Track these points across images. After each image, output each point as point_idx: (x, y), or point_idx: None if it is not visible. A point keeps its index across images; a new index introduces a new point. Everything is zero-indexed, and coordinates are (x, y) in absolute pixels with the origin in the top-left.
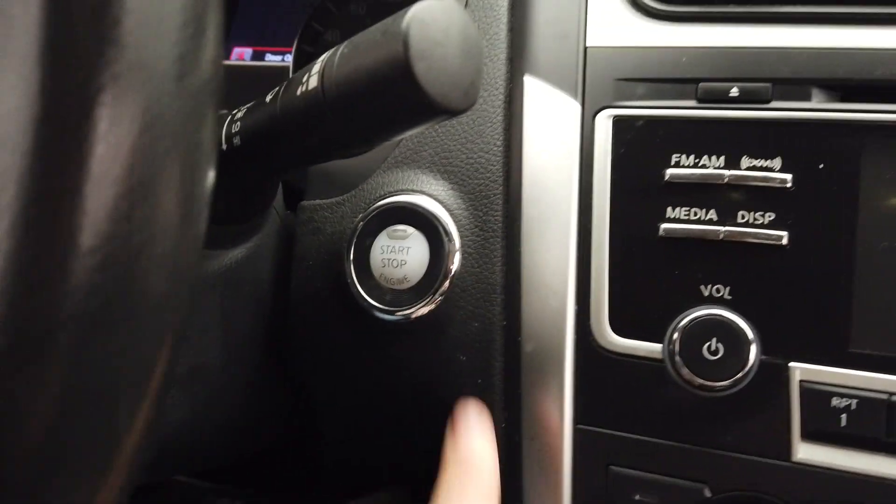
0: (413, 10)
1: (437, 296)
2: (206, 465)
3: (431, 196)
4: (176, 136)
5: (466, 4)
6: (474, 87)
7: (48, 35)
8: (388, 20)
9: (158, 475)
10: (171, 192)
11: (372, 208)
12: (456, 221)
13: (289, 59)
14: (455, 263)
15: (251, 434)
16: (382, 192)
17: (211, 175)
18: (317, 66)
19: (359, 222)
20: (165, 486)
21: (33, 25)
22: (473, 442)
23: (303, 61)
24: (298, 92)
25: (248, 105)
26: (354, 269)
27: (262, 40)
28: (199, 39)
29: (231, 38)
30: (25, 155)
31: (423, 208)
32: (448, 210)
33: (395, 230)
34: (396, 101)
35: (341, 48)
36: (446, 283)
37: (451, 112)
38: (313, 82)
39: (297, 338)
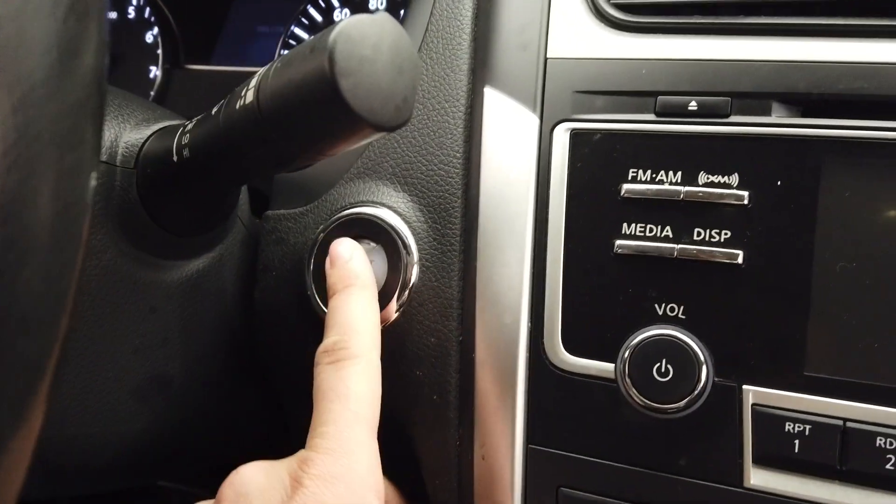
0: (341, 26)
1: (395, 308)
2: (179, 471)
3: (391, 208)
4: (42, 156)
5: (431, 14)
6: (407, 104)
7: None
8: (318, 35)
9: (130, 482)
10: (39, 215)
11: (332, 220)
12: (414, 234)
13: None
14: (413, 276)
15: (224, 440)
16: (344, 203)
17: (88, 197)
18: (253, 81)
19: (319, 233)
20: (152, 493)
21: None
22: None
23: None
24: (237, 105)
25: (198, 117)
26: (313, 281)
27: (247, 60)
28: (75, 33)
29: (215, 58)
30: None
31: (383, 220)
32: (407, 222)
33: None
34: (326, 117)
35: (276, 63)
36: (405, 296)
37: (382, 128)
38: (250, 96)
39: (263, 346)
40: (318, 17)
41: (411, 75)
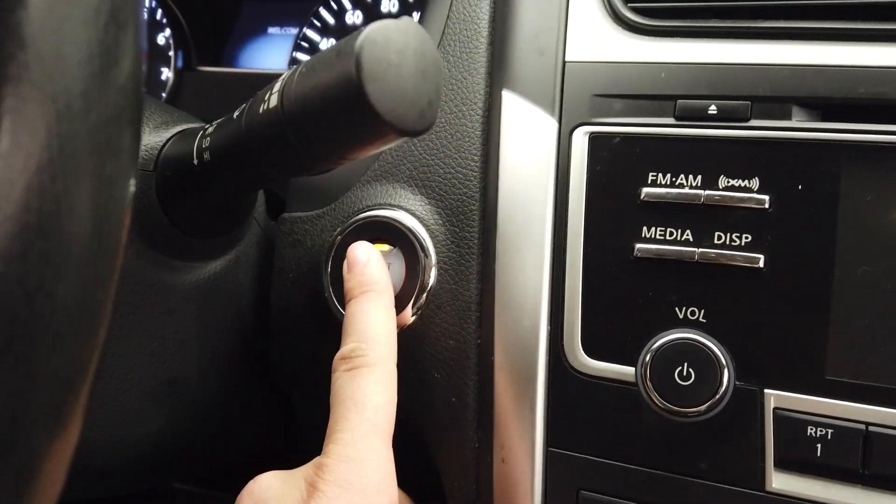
0: (367, 31)
1: (413, 311)
2: (193, 472)
3: (409, 211)
4: (83, 167)
5: (448, 17)
6: (432, 108)
7: None
8: (344, 40)
9: (144, 484)
10: (76, 227)
11: (350, 223)
12: (432, 237)
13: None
14: (431, 279)
15: (237, 441)
16: (361, 206)
17: (127, 207)
18: (277, 85)
19: (336, 236)
20: (163, 494)
21: None
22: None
23: None
24: (261, 109)
25: (219, 120)
26: (331, 283)
27: (258, 62)
28: (114, 43)
29: (227, 60)
30: None
31: (401, 223)
32: (425, 225)
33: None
34: (351, 122)
35: (300, 67)
36: (422, 299)
37: (407, 133)
38: (274, 100)
39: (278, 349)
40: (331, 20)
41: (435, 80)
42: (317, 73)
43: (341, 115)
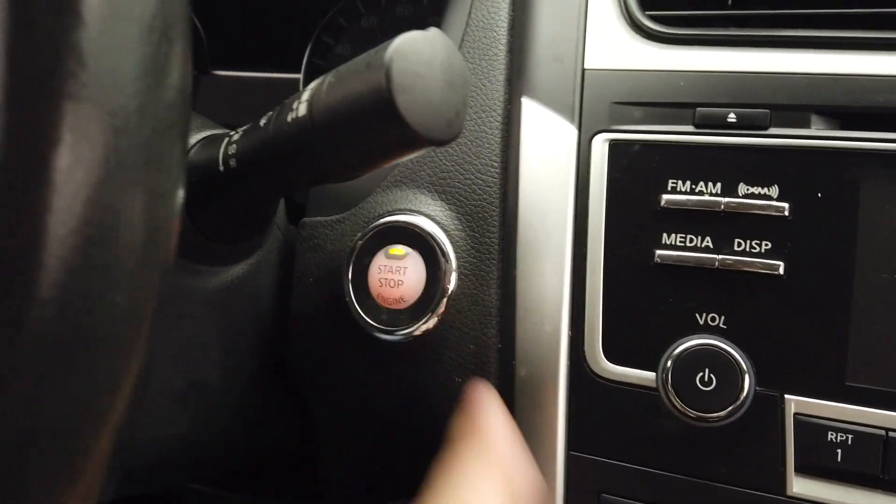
0: (396, 43)
1: (433, 316)
2: (208, 474)
3: (429, 216)
4: (138, 180)
5: (467, 25)
6: (459, 118)
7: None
8: (373, 51)
9: (165, 485)
10: (132, 238)
11: (370, 227)
12: (452, 242)
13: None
14: (451, 284)
15: (253, 445)
16: (381, 211)
17: (176, 218)
18: (306, 94)
19: (357, 241)
20: (179, 495)
21: None
22: (488, 415)
23: (313, 74)
24: (289, 118)
25: (245, 128)
26: (352, 287)
27: (274, 67)
28: (166, 58)
29: (242, 64)
30: None
31: (421, 228)
32: (445, 230)
33: (393, 249)
34: (380, 132)
35: (329, 77)
36: (443, 304)
37: (434, 143)
38: (303, 110)
39: (297, 353)
40: (346, 24)
41: (462, 91)
42: (346, 83)
43: (371, 126)
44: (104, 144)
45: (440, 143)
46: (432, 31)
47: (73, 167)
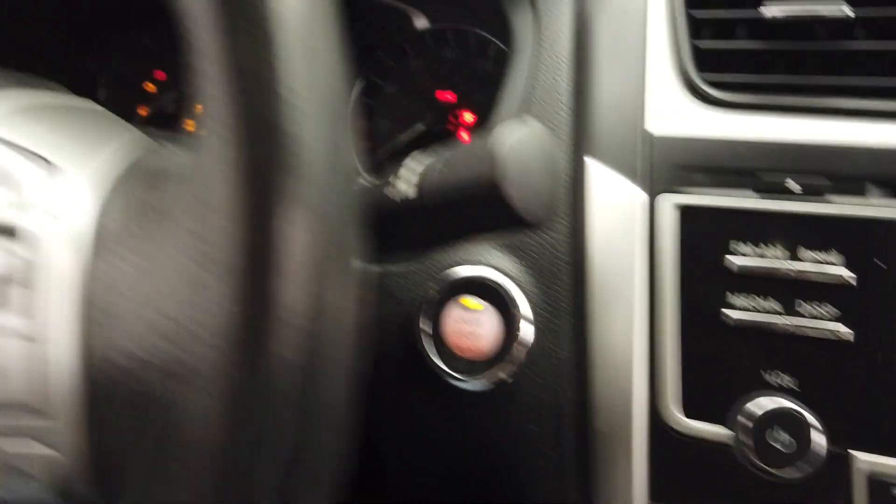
0: (502, 136)
1: (509, 366)
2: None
3: (501, 270)
4: (334, 268)
5: (533, 89)
6: (553, 200)
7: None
8: (478, 141)
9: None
10: (331, 325)
11: (445, 277)
12: (526, 296)
13: None
14: (526, 335)
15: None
16: (451, 262)
17: (351, 297)
18: (415, 179)
19: (431, 290)
20: None
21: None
22: None
23: (364, 113)
24: (398, 199)
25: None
26: (428, 336)
27: None
28: (344, 154)
29: None
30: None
31: (496, 282)
32: (518, 285)
33: (469, 302)
34: (489, 217)
35: (437, 164)
36: (519, 354)
37: (535, 225)
38: (412, 193)
39: (368, 397)
40: (393, 64)
41: (557, 176)
42: (456, 171)
43: (480, 212)
44: (310, 239)
45: (540, 224)
46: (532, 124)
47: (285, 262)
